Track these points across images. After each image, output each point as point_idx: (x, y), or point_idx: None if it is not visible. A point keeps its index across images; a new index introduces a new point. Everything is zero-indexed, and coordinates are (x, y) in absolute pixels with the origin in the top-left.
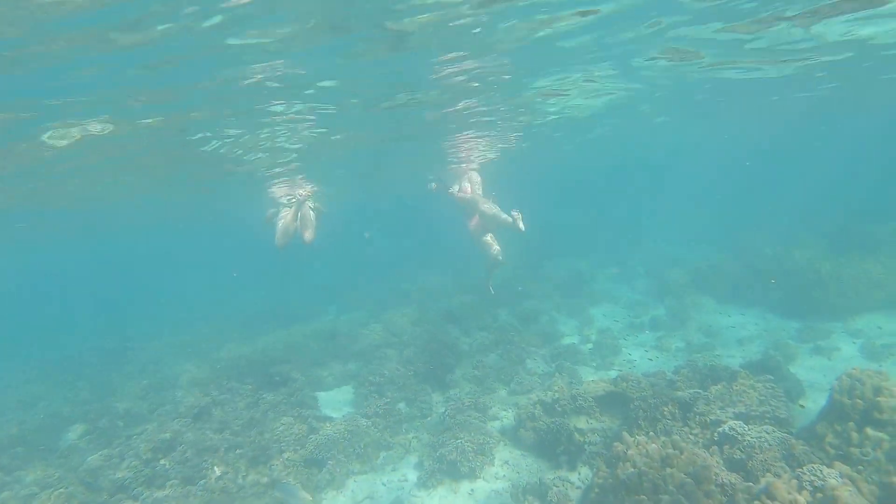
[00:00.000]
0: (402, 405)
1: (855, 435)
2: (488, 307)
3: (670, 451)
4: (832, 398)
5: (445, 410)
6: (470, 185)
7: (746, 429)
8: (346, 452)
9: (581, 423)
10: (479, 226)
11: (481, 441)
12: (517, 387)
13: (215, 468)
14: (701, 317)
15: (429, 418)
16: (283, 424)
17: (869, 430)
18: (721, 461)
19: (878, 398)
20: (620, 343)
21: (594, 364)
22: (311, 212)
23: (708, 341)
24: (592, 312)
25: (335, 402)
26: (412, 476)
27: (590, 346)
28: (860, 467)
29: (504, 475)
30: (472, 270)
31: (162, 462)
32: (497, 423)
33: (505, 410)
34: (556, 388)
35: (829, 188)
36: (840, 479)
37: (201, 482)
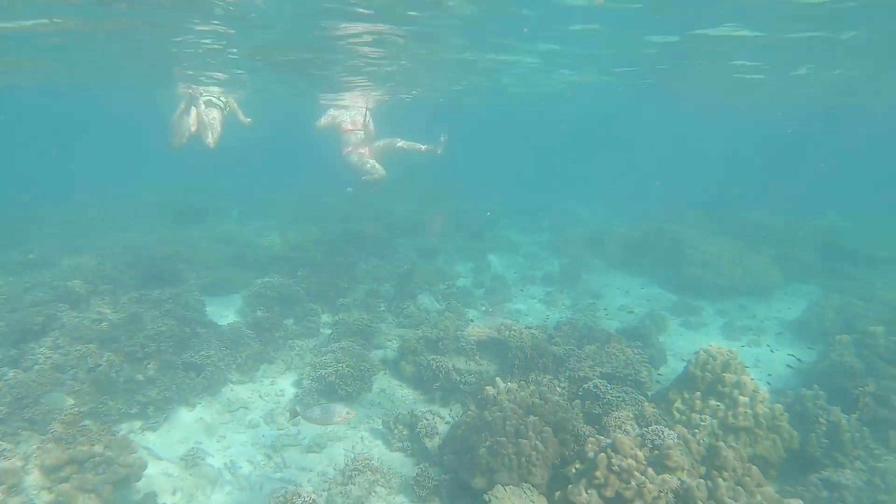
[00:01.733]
0: (290, 321)
1: (699, 403)
2: (391, 236)
3: (536, 400)
4: (687, 369)
5: (332, 333)
6: (358, 119)
7: (609, 388)
8: (226, 360)
9: (460, 363)
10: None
11: (363, 367)
12: (405, 320)
13: (87, 359)
14: (591, 278)
15: (314, 338)
16: (165, 325)
17: (711, 401)
18: (581, 414)
19: (725, 374)
20: (512, 292)
21: (483, 308)
22: (214, 110)
23: (593, 302)
24: (491, 258)
25: (222, 309)
26: (290, 392)
27: (482, 290)
28: (695, 431)
29: (379, 402)
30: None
31: (31, 346)
32: (380, 353)
33: (390, 341)
34: (441, 326)
35: (724, 175)
36: (676, 440)
37: (71, 371)
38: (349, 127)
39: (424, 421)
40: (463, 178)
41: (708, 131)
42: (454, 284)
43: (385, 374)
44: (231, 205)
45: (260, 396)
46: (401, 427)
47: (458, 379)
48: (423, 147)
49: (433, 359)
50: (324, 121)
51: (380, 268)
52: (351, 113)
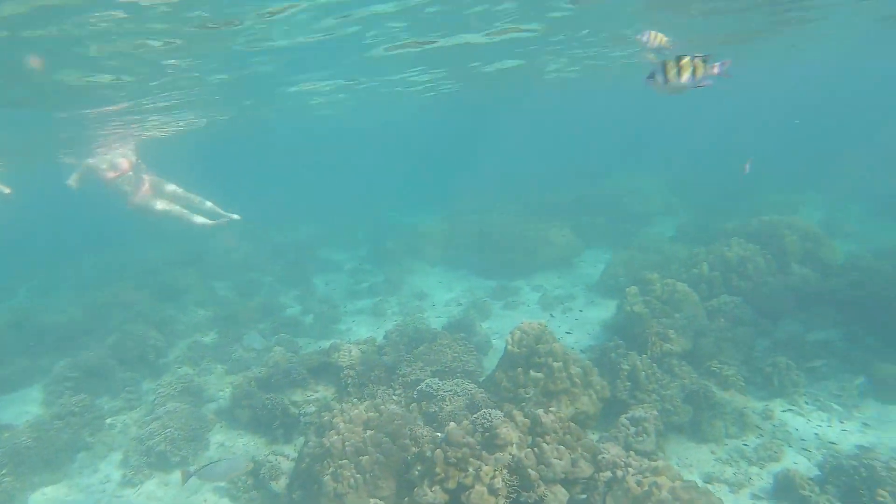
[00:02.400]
0: (104, 399)
1: (522, 378)
2: (205, 279)
3: (372, 414)
4: (506, 349)
5: (155, 399)
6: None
7: (441, 384)
8: (29, 464)
9: (297, 395)
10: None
11: (195, 426)
12: (234, 365)
13: None
14: (415, 280)
15: (137, 409)
16: None
17: (532, 373)
18: (419, 416)
19: (539, 345)
20: (341, 311)
21: (315, 334)
22: None
23: (419, 304)
24: (315, 282)
25: (20, 403)
26: (116, 475)
27: (311, 316)
28: (523, 404)
29: (219, 458)
30: (195, 240)
31: None
32: (213, 405)
33: (222, 391)
34: (271, 362)
35: (526, 162)
36: (502, 418)
37: None
38: (112, 174)
39: (267, 464)
40: (278, 205)
41: (502, 125)
42: (281, 316)
43: (221, 425)
44: (16, 283)
45: (81, 490)
46: (244, 477)
47: (296, 412)
48: (214, 221)
49: (267, 398)
50: (76, 176)
51: (200, 316)
52: (108, 157)
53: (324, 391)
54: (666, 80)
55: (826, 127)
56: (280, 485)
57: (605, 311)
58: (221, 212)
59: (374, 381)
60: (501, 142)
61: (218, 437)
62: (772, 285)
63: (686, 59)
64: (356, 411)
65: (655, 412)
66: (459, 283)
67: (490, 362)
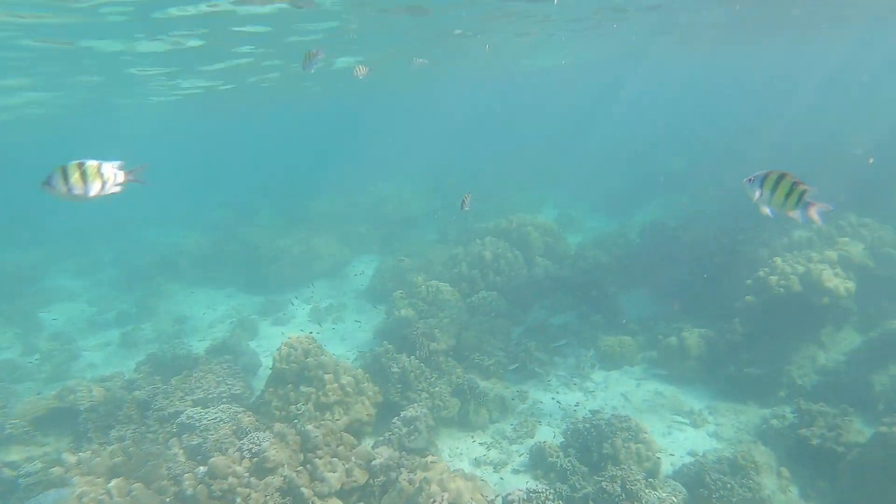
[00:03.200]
0: None
1: (293, 394)
2: None
3: (118, 459)
4: (274, 367)
5: None
6: None
7: (203, 413)
8: None
9: (12, 454)
10: None
11: None
12: None
13: None
14: (171, 304)
15: None
16: None
17: (302, 388)
18: (181, 451)
19: (308, 359)
20: (79, 346)
21: (42, 377)
22: None
23: (179, 329)
24: (42, 316)
25: None
26: None
27: (37, 356)
28: (295, 421)
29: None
30: None
31: None
32: None
33: None
34: None
35: (285, 171)
36: (271, 442)
37: None
38: None
39: None
40: None
41: (258, 132)
42: None
43: None
44: None
45: None
46: None
47: (11, 475)
48: None
49: None
50: None
51: None
52: None
53: (55, 443)
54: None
55: (547, 132)
56: None
57: (375, 317)
58: None
59: (122, 420)
60: (260, 149)
61: None
62: (522, 278)
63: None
64: (97, 459)
65: (426, 410)
66: (225, 302)
67: (261, 383)
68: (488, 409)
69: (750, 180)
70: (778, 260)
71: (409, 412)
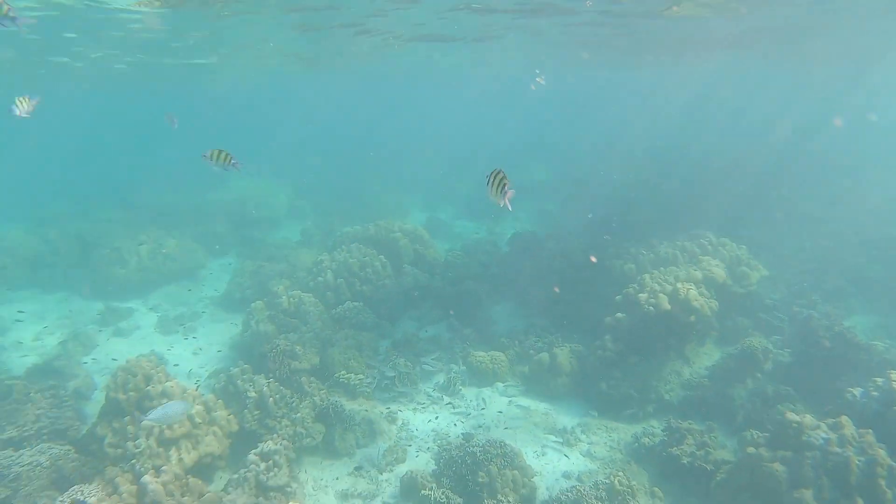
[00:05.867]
0: None
1: (131, 428)
2: None
3: None
4: (108, 396)
5: None
6: None
7: (16, 457)
8: None
9: None
10: None
11: None
12: None
13: None
14: None
15: None
16: None
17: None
18: None
19: (149, 387)
20: None
21: None
22: None
23: None
24: None
25: None
26: None
27: None
28: (133, 461)
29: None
30: None
31: None
32: None
33: None
34: None
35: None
36: (99, 498)
37: None
38: None
39: None
40: None
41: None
42: None
43: None
44: None
45: None
46: None
47: None
48: None
49: None
50: None
51: None
52: None
53: None
54: None
55: (410, 134)
56: None
57: (232, 327)
58: None
59: None
60: (103, 136)
61: None
62: (389, 288)
63: None
64: None
65: (286, 441)
66: (56, 309)
67: (95, 408)
68: (355, 434)
69: (486, 175)
70: (647, 277)
71: (266, 445)
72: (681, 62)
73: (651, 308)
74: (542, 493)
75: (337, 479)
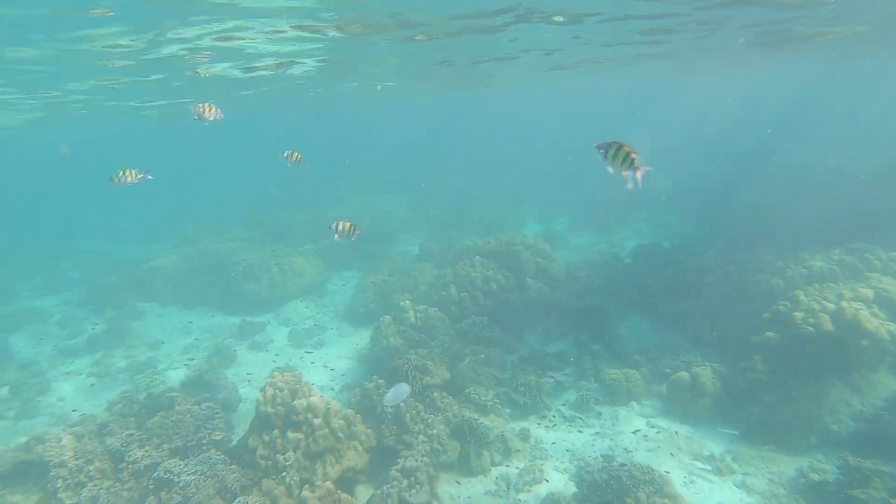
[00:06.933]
0: None
1: (280, 441)
2: None
3: None
4: (258, 409)
5: None
6: None
7: (182, 466)
8: None
9: None
10: None
11: None
12: None
13: None
14: (145, 325)
15: None
16: None
17: (290, 434)
18: None
19: (295, 401)
20: (49, 377)
21: (12, 414)
22: None
23: (152, 356)
24: (11, 341)
25: None
26: None
27: (6, 389)
28: (284, 474)
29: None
30: None
31: None
32: None
33: None
34: None
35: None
36: None
37: None
38: None
39: None
40: None
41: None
42: None
43: None
44: None
45: None
46: None
47: None
48: None
49: None
50: None
51: None
52: None
53: (23, 501)
54: None
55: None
56: None
57: (359, 339)
58: None
59: (94, 476)
60: (230, 160)
61: None
62: (513, 302)
63: None
64: None
65: (427, 458)
66: (199, 323)
67: (240, 419)
68: (489, 451)
69: (598, 147)
70: (800, 294)
71: (408, 462)
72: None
73: (810, 328)
74: None
75: (474, 497)
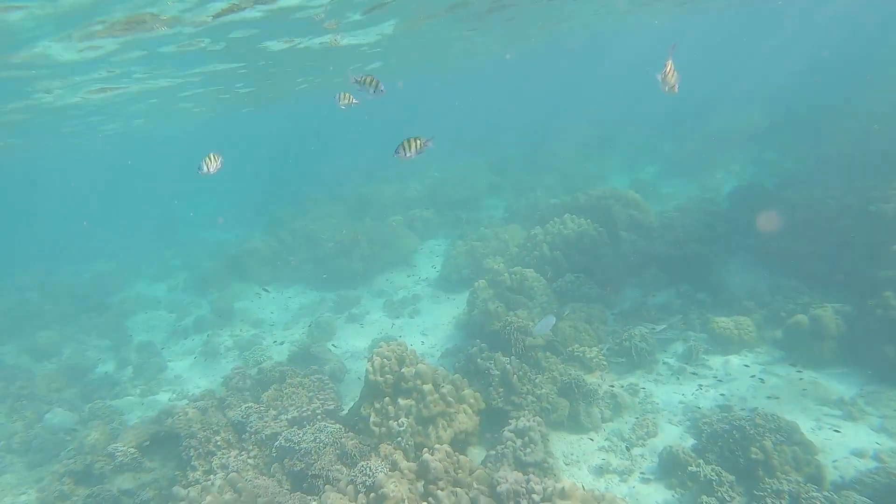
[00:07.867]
0: None
1: (391, 408)
2: None
3: (229, 496)
4: (368, 378)
5: None
6: None
7: (301, 435)
8: None
9: (127, 482)
10: None
11: None
12: (37, 456)
13: None
14: (245, 305)
15: None
16: None
17: (401, 401)
18: (285, 478)
19: (403, 369)
20: (165, 357)
21: (137, 392)
22: None
23: (256, 333)
24: (129, 325)
25: None
26: None
27: (130, 369)
28: (399, 439)
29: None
30: None
31: None
32: None
33: (23, 495)
34: (88, 445)
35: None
36: (386, 473)
37: None
38: None
39: None
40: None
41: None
42: (92, 378)
43: None
44: None
45: None
46: None
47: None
48: None
49: (91, 493)
50: None
51: None
52: None
53: (161, 469)
54: None
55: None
56: None
57: (454, 306)
58: None
59: (221, 446)
60: (308, 142)
61: None
62: (608, 257)
63: None
64: (209, 498)
65: (539, 418)
66: (296, 300)
67: (347, 389)
68: (599, 408)
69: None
70: None
71: (520, 422)
72: None
73: None
74: (830, 473)
75: (587, 454)
